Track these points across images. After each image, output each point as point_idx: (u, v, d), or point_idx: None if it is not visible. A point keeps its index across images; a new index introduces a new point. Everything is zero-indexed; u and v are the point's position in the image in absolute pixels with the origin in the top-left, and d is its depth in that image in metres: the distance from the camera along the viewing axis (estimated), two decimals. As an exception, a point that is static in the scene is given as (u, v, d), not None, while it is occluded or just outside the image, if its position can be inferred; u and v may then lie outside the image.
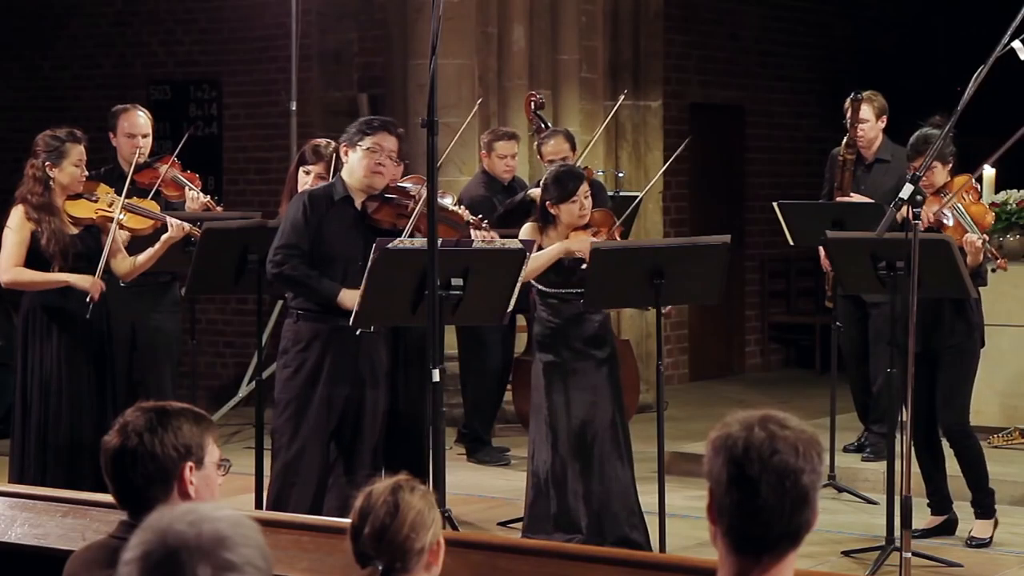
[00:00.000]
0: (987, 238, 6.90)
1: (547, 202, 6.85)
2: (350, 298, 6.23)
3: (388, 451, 7.84)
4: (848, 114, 8.57)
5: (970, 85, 6.05)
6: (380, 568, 2.97)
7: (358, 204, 6.51)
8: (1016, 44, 6.07)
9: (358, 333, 6.33)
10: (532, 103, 9.02)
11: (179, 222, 7.01)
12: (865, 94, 8.59)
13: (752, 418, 2.58)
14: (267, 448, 6.80)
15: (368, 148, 6.45)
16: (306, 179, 7.23)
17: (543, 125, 8.90)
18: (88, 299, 6.74)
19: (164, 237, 6.97)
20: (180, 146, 8.11)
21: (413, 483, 3.08)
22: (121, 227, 7.04)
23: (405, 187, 6.69)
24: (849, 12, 13.87)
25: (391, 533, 2.98)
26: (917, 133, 7.20)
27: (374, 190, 6.53)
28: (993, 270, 7.06)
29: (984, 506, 7.18)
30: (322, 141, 7.45)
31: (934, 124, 7.18)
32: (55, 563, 3.47)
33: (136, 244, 7.12)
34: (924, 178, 7.00)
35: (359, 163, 6.47)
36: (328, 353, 6.40)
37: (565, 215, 6.82)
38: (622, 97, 9.94)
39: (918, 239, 6.05)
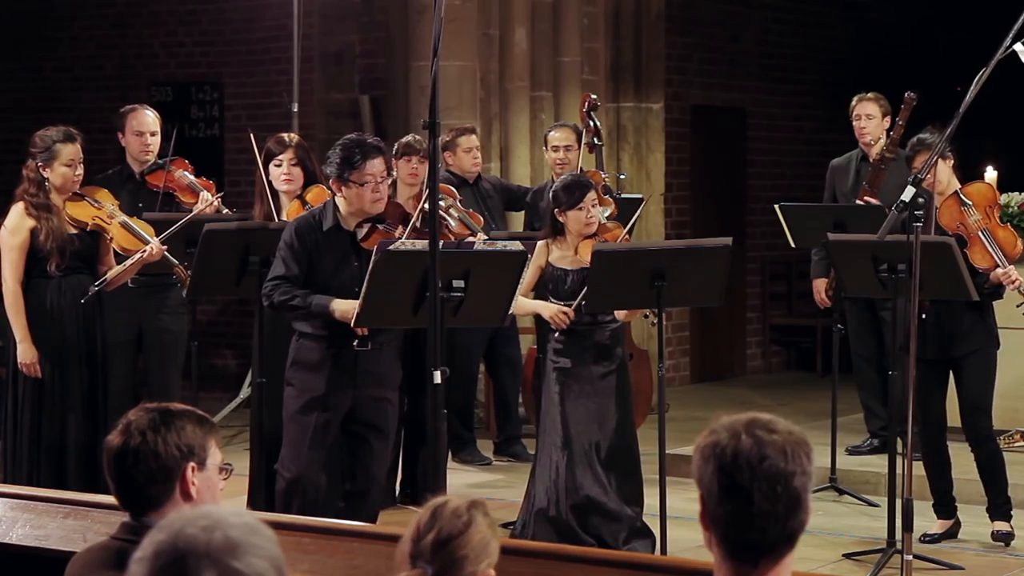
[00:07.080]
0: (1022, 281, 6.83)
1: (555, 210, 6.87)
2: (343, 307, 6.15)
3: (411, 455, 7.84)
4: (901, 113, 8.51)
5: (971, 88, 6.05)
6: (430, 571, 2.97)
7: (350, 228, 6.34)
8: (1017, 47, 6.07)
9: (356, 348, 6.28)
10: (587, 103, 8.84)
11: (159, 246, 7.02)
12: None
13: (738, 424, 2.58)
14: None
15: (363, 183, 6.24)
16: (279, 171, 7.09)
17: (593, 125, 8.78)
18: (83, 299, 6.87)
19: (137, 256, 6.97)
20: (171, 143, 8.04)
21: (486, 507, 3.09)
22: (110, 239, 7.07)
23: (399, 204, 6.60)
24: (850, 15, 13.86)
25: (453, 547, 2.97)
26: (915, 137, 7.16)
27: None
28: (1018, 306, 6.94)
29: (1003, 512, 7.16)
30: (283, 135, 7.38)
31: (930, 132, 7.09)
32: (56, 564, 3.47)
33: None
34: (929, 177, 6.98)
35: (358, 197, 6.25)
36: (329, 373, 6.29)
37: (573, 223, 6.83)
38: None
39: (919, 242, 6.05)
